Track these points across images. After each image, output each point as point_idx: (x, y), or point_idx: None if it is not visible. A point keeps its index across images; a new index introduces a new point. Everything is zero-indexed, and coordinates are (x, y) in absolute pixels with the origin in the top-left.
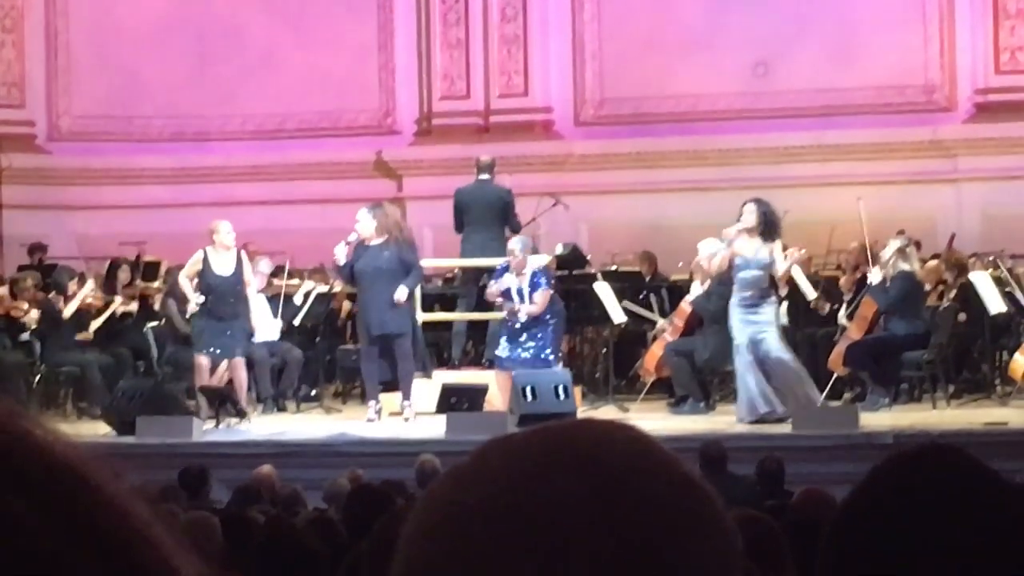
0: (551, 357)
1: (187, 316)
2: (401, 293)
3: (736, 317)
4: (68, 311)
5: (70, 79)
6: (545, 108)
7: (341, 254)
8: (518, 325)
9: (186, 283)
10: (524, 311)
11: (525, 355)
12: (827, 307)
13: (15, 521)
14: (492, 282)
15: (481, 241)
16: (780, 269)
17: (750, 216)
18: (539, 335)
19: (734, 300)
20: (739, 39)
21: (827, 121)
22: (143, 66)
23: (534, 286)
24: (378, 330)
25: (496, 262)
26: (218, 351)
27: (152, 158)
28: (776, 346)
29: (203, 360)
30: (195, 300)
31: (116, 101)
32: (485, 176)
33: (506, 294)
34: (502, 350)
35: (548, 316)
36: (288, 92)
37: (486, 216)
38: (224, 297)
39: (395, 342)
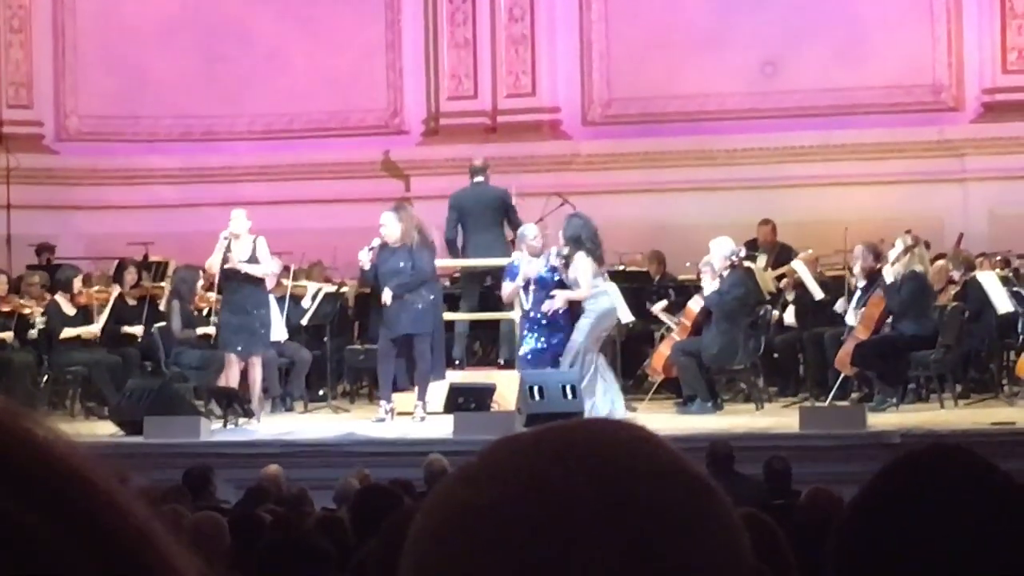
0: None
1: (201, 313)
2: (386, 296)
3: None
4: (67, 308)
5: (78, 79)
6: (552, 108)
7: (365, 259)
8: (538, 316)
9: (215, 263)
10: (560, 301)
11: (542, 345)
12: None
13: (14, 522)
14: (507, 281)
15: (485, 243)
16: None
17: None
18: (559, 333)
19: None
20: (747, 39)
21: (835, 121)
22: (151, 66)
23: (553, 272)
24: (396, 331)
25: (500, 262)
26: (240, 348)
27: (160, 158)
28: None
29: (233, 357)
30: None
31: (124, 101)
32: (480, 179)
33: (526, 287)
34: (525, 347)
35: (563, 315)
36: (296, 92)
37: (486, 218)
38: (240, 283)
39: (413, 342)
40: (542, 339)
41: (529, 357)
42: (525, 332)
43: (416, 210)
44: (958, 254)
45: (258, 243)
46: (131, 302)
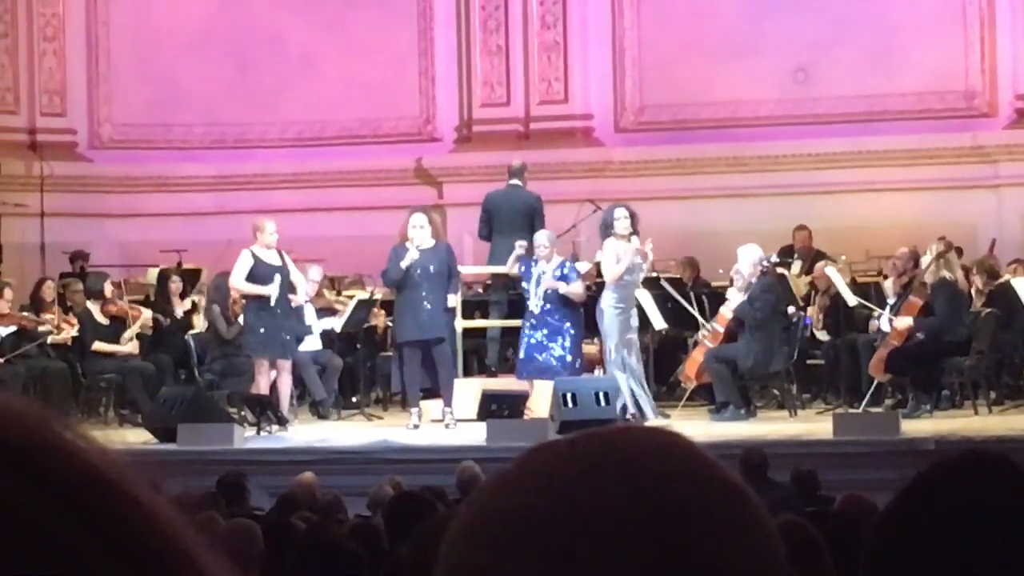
0: (577, 365)
1: (237, 319)
2: (453, 301)
3: (617, 319)
4: (100, 317)
5: (111, 87)
6: (585, 115)
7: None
8: (533, 321)
9: (246, 285)
10: (562, 288)
11: (544, 359)
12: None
13: (43, 527)
14: (516, 264)
15: (509, 247)
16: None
17: (627, 222)
18: (559, 340)
19: (613, 301)
20: (779, 45)
21: (867, 127)
22: (183, 74)
23: (564, 278)
24: (420, 334)
25: None
26: (268, 352)
27: (192, 166)
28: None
29: (263, 365)
30: (266, 291)
31: (157, 109)
32: (516, 181)
33: (526, 277)
34: (522, 353)
35: (568, 324)
36: (328, 99)
37: (515, 221)
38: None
39: (436, 348)
40: (548, 338)
41: (535, 354)
42: (530, 331)
43: (449, 217)
44: (984, 261)
45: (285, 256)
46: (178, 313)
